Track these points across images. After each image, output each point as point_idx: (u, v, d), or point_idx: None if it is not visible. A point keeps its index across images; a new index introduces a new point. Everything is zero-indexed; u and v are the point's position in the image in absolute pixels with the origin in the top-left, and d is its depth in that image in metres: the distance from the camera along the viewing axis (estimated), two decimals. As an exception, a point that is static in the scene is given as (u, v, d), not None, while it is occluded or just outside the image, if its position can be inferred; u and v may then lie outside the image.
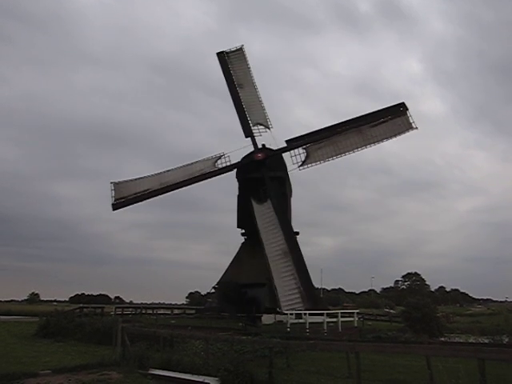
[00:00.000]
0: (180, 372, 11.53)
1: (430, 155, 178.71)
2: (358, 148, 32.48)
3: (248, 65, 37.30)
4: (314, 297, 28.89)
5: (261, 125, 35.13)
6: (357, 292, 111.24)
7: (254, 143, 34.60)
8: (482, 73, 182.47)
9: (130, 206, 33.46)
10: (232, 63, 37.05)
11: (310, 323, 27.23)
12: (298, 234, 36.69)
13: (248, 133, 34.76)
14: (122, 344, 14.22)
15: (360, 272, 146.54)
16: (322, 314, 28.72)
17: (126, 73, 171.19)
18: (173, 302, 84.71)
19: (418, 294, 46.85)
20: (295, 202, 37.81)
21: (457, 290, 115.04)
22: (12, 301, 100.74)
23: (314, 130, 33.90)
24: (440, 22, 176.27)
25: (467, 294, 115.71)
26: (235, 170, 34.76)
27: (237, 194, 35.94)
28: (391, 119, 32.36)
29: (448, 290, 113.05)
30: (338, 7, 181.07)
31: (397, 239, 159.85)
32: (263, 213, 32.11)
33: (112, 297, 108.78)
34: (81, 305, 43.75)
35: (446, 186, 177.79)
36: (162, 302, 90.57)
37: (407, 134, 32.23)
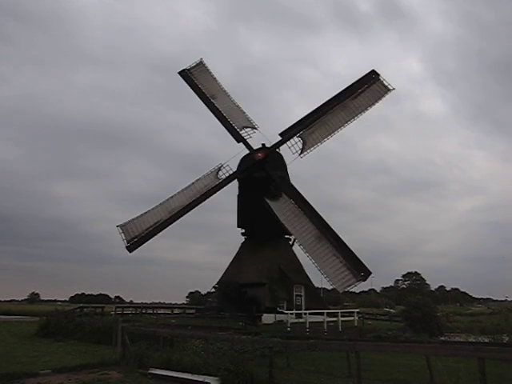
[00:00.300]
0: (180, 371, 11.52)
1: (429, 155, 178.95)
2: (347, 122, 33.59)
3: (212, 75, 37.50)
4: (363, 267, 28.43)
5: (247, 127, 35.17)
6: (357, 291, 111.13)
7: (248, 146, 34.68)
8: (482, 72, 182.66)
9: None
10: (197, 78, 37.02)
11: (310, 323, 27.29)
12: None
13: (238, 138, 34.86)
14: (122, 343, 14.22)
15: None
16: (322, 314, 28.77)
17: (126, 73, 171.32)
18: (173, 302, 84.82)
19: (418, 294, 46.72)
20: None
21: (457, 289, 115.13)
22: (12, 300, 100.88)
23: (302, 116, 34.35)
24: (440, 21, 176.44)
25: (467, 294, 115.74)
26: (234, 161, 34.99)
27: (237, 193, 36.01)
28: (368, 87, 34.16)
29: (448, 289, 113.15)
30: (337, 7, 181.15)
31: (397, 239, 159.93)
32: (282, 207, 32.08)
33: (112, 296, 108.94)
34: (81, 304, 43.76)
35: (446, 186, 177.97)
36: (162, 301, 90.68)
37: (386, 97, 34.11)
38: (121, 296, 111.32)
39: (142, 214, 32.64)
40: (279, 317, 29.71)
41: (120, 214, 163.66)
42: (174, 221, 32.38)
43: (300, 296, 34.67)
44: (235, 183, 35.58)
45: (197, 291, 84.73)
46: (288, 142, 33.79)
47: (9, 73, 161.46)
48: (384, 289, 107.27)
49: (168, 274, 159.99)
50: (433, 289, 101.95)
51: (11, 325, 27.26)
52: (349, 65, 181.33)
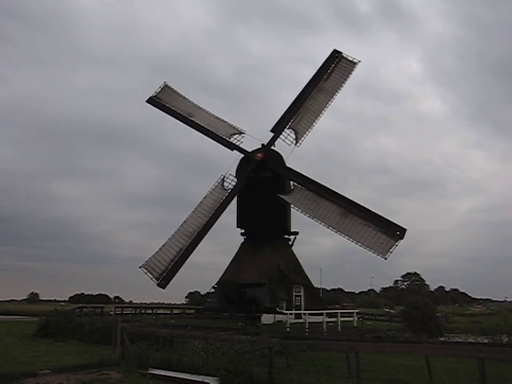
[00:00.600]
0: (179, 372, 11.52)
1: (429, 155, 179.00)
2: (327, 103, 34.37)
3: (181, 95, 37.31)
4: (396, 226, 28.67)
5: (235, 134, 35.15)
6: (356, 292, 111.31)
7: (242, 151, 34.73)
8: (482, 72, 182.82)
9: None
10: (167, 102, 36.72)
11: (309, 323, 27.26)
12: (297, 233, 36.78)
13: (230, 147, 34.83)
14: (122, 344, 14.22)
15: (359, 272, 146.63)
16: (321, 314, 28.76)
17: (126, 73, 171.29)
18: (172, 302, 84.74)
19: (418, 294, 46.85)
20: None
21: (456, 289, 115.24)
22: (12, 300, 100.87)
23: (286, 108, 34.80)
24: (439, 21, 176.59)
25: (466, 294, 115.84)
26: (235, 169, 34.84)
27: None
28: (335, 66, 35.38)
29: (447, 289, 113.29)
30: (337, 7, 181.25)
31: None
32: (297, 198, 32.07)
33: (111, 296, 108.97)
34: (80, 304, 43.73)
35: (446, 186, 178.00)
36: (161, 301, 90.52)
37: (355, 70, 35.34)
38: (120, 296, 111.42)
39: (160, 248, 31.64)
40: (279, 317, 29.69)
41: (120, 214, 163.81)
42: (197, 244, 31.46)
43: (299, 296, 34.66)
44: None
45: (196, 291, 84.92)
46: (281, 136, 34.15)
47: (9, 73, 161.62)
48: (383, 289, 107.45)
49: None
50: (432, 289, 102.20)
51: (10, 325, 27.22)
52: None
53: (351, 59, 35.41)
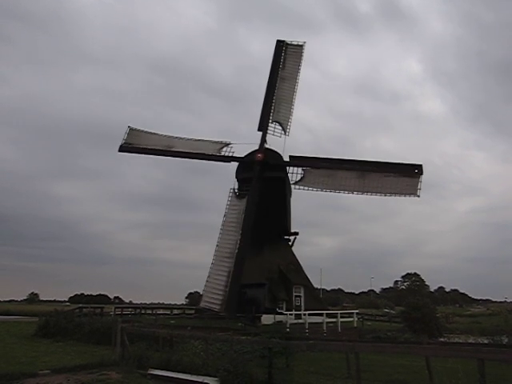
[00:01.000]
0: (179, 372, 11.51)
1: (429, 155, 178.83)
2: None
3: (151, 132, 36.38)
4: (411, 166, 30.15)
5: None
6: (356, 292, 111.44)
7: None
8: (482, 73, 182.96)
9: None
10: (140, 143, 35.67)
11: (309, 323, 27.26)
12: (297, 234, 36.73)
13: (226, 160, 34.62)
14: (122, 344, 14.21)
15: (359, 272, 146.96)
16: (321, 315, 28.76)
17: (126, 73, 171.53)
18: (172, 302, 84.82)
19: (418, 295, 46.82)
20: (295, 202, 37.84)
21: (456, 290, 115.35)
22: (11, 301, 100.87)
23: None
24: (439, 22, 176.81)
25: (467, 295, 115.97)
26: (235, 169, 34.80)
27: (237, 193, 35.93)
28: (286, 54, 35.75)
29: (447, 290, 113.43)
30: (337, 7, 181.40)
31: (396, 239, 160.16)
32: (312, 181, 32.51)
33: (111, 297, 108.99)
34: (80, 305, 43.71)
35: (446, 187, 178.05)
36: (161, 302, 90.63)
37: (305, 51, 36.42)
38: (120, 296, 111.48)
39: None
40: (278, 317, 29.67)
41: (120, 214, 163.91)
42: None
43: (299, 297, 34.63)
44: (235, 183, 35.58)
45: (196, 292, 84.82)
46: (268, 131, 34.57)
47: (9, 73, 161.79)
48: (383, 290, 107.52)
49: (167, 274, 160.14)
50: (432, 290, 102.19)
51: (10, 325, 27.22)
52: (349, 65, 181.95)
53: (296, 43, 36.85)
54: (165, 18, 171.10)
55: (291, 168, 33.48)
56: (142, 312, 36.79)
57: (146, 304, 71.50)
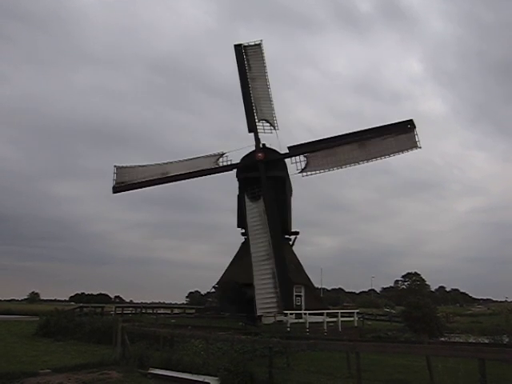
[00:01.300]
0: (180, 371, 11.53)
1: (429, 155, 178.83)
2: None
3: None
4: (400, 124, 30.85)
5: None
6: (357, 292, 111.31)
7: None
8: (482, 73, 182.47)
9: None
10: (132, 179, 35.57)
11: (310, 323, 27.24)
12: (298, 233, 36.74)
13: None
14: (122, 343, 14.22)
15: (360, 272, 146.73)
16: (322, 314, 28.74)
17: (127, 72, 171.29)
18: (173, 302, 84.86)
19: (418, 294, 46.77)
20: (295, 202, 37.85)
21: (457, 289, 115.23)
22: (12, 300, 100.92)
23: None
24: (440, 21, 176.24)
25: (467, 294, 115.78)
26: (234, 155, 35.03)
27: (237, 193, 35.98)
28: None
29: (448, 289, 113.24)
30: (338, 7, 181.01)
31: (397, 239, 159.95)
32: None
33: (112, 296, 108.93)
34: (80, 304, 43.75)
35: (446, 186, 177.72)
36: (161, 301, 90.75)
37: (266, 48, 35.92)
38: (121, 296, 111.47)
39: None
40: (279, 317, 29.68)
41: (120, 213, 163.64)
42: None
43: (300, 296, 34.64)
44: (235, 183, 35.62)
45: (197, 291, 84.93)
46: (259, 130, 34.72)
47: (9, 72, 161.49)
48: (384, 289, 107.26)
49: (168, 274, 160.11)
50: (433, 289, 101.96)
51: (11, 324, 27.25)
52: (349, 65, 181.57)
53: (253, 43, 36.77)
54: (165, 17, 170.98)
55: (293, 158, 33.66)
56: (143, 311, 36.86)
57: (146, 303, 71.61)
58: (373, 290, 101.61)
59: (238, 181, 35.41)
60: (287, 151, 34.04)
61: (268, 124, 34.85)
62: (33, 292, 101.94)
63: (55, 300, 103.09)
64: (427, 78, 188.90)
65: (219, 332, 18.87)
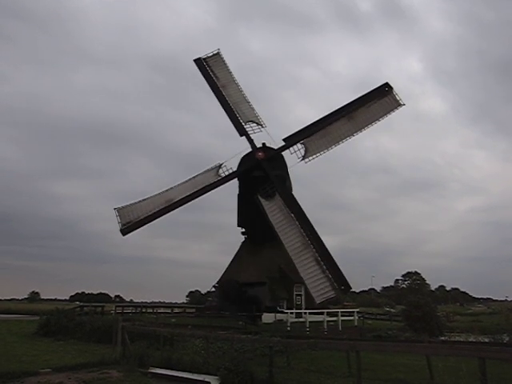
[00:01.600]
0: (180, 371, 11.53)
1: (430, 155, 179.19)
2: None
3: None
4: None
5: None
6: (357, 291, 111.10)
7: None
8: (482, 72, 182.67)
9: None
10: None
11: (310, 322, 27.27)
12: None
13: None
14: (123, 343, 14.22)
15: (360, 271, 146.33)
16: (322, 313, 28.75)
17: (127, 72, 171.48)
18: (173, 301, 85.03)
19: (419, 293, 46.80)
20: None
21: (457, 289, 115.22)
22: (12, 299, 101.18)
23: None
24: (440, 21, 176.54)
25: (467, 293, 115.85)
26: (234, 161, 34.86)
27: (237, 193, 35.99)
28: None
29: (448, 289, 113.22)
30: (338, 6, 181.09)
31: (397, 238, 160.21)
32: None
33: (112, 295, 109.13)
34: (81, 303, 43.76)
35: (446, 186, 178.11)
36: (162, 300, 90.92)
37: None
38: (121, 295, 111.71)
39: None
40: (279, 316, 29.71)
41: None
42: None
43: (300, 295, 34.65)
44: (235, 182, 35.56)
45: (197, 290, 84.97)
46: (291, 148, 33.76)
47: (9, 72, 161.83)
48: (384, 288, 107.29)
49: (168, 273, 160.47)
50: (433, 288, 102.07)
51: (11, 324, 27.26)
52: (349, 64, 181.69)
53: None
54: (165, 17, 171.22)
55: (291, 148, 33.65)
56: (143, 311, 36.88)
57: (146, 303, 71.76)
58: (373, 289, 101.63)
59: (239, 180, 35.40)
60: (283, 144, 33.98)
61: (255, 124, 34.83)
62: (33, 291, 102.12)
63: (55, 299, 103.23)
64: (427, 77, 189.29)
65: (219, 331, 18.87)
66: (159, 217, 32.48)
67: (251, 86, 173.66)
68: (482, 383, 8.03)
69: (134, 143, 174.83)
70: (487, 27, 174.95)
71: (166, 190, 33.46)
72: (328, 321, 28.21)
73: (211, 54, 37.56)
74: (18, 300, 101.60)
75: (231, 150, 35.22)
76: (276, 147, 34.35)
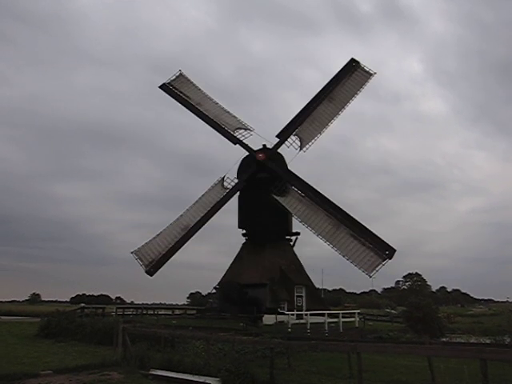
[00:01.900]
0: (181, 372, 11.52)
1: (430, 155, 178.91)
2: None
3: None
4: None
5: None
6: (358, 292, 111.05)
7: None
8: (483, 72, 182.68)
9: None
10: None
11: (310, 324, 27.22)
12: (299, 234, 36.67)
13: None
14: (123, 344, 14.21)
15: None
16: (323, 315, 28.71)
17: (127, 73, 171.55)
18: (174, 303, 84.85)
19: (419, 295, 46.73)
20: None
21: (458, 290, 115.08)
22: (13, 301, 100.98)
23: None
24: (440, 21, 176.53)
25: (468, 295, 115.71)
26: (235, 169, 34.89)
27: (238, 194, 35.94)
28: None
29: (449, 290, 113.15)
30: (338, 8, 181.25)
31: (397, 239, 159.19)
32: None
33: (113, 297, 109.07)
34: (82, 305, 43.72)
35: (447, 186, 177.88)
36: (163, 302, 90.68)
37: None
38: (122, 297, 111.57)
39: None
40: (280, 318, 29.66)
41: (120, 214, 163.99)
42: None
43: (301, 297, 34.61)
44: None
45: (198, 292, 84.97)
46: (286, 142, 34.16)
47: (9, 73, 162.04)
48: (385, 290, 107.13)
49: (169, 274, 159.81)
50: (434, 290, 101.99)
51: (12, 325, 27.22)
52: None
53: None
54: (165, 17, 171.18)
55: (287, 142, 34.05)
56: (144, 312, 36.78)
57: (147, 304, 71.53)
58: (374, 290, 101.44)
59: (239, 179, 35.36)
60: (278, 140, 34.29)
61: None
62: (34, 293, 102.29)
63: (56, 301, 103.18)
64: (427, 77, 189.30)
65: (220, 333, 18.86)
66: (181, 247, 31.83)
67: (252, 87, 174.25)
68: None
69: (133, 144, 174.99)
70: (487, 28, 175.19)
71: (178, 218, 33.03)
72: (329, 322, 28.16)
73: (174, 77, 37.71)
74: (18, 302, 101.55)
75: (231, 151, 35.19)
76: (271, 146, 34.49)
